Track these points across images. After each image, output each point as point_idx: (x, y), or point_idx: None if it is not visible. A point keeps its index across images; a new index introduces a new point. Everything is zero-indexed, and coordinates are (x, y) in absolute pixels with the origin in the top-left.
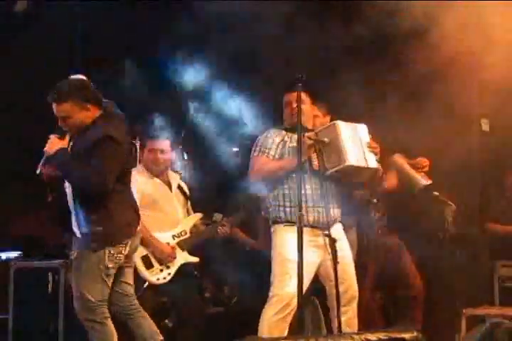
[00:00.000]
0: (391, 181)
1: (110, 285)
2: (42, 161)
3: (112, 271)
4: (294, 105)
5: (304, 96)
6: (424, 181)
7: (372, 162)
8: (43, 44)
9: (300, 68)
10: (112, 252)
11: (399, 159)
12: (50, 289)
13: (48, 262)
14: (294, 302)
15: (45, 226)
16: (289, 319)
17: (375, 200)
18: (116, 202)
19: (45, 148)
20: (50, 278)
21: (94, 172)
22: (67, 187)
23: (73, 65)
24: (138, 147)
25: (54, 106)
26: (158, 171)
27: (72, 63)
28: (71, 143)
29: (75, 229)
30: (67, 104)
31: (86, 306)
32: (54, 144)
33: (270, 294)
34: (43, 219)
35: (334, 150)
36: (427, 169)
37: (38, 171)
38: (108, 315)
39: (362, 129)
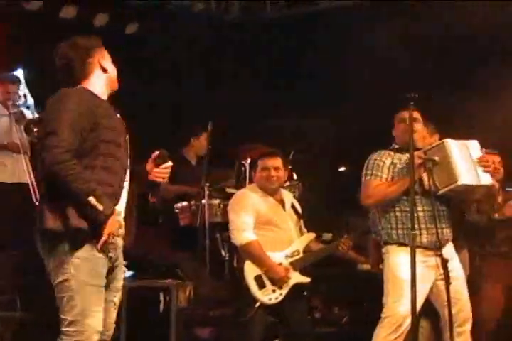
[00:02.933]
0: None
1: None
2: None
3: None
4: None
5: (417, 114)
6: None
7: (486, 179)
8: None
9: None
10: None
11: None
12: (161, 308)
13: (159, 281)
14: (407, 323)
15: (154, 246)
16: (401, 340)
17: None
18: None
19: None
20: (162, 297)
21: None
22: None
23: None
24: (248, 166)
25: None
26: (271, 189)
27: None
28: None
29: None
30: None
31: None
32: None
33: (383, 315)
34: (151, 238)
35: (445, 168)
36: None
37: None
38: None
39: (473, 145)
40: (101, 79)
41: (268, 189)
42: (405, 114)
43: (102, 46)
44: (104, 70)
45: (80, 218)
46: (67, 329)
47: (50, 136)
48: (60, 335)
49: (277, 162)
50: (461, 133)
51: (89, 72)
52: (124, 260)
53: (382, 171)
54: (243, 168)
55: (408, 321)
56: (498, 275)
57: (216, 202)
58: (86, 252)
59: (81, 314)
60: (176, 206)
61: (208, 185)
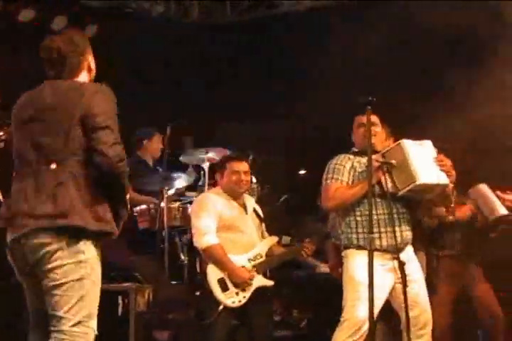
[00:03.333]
0: (463, 212)
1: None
2: None
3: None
4: (371, 127)
5: (376, 118)
6: (503, 210)
7: (443, 177)
8: None
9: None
10: None
11: (484, 187)
12: (120, 312)
13: (117, 285)
14: (366, 326)
15: (112, 249)
16: None
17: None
18: None
19: None
20: (120, 300)
21: None
22: None
23: None
24: (207, 169)
25: None
26: (238, 193)
27: None
28: None
29: None
30: None
31: None
32: None
33: (341, 318)
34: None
35: (404, 169)
36: None
37: None
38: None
39: (427, 145)
40: (85, 79)
41: (235, 193)
42: (364, 119)
43: (90, 45)
44: (90, 70)
45: (111, 217)
46: (73, 329)
47: (108, 131)
48: (57, 334)
49: (246, 166)
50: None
51: (80, 69)
52: None
53: (343, 175)
54: (202, 172)
55: (367, 324)
56: (454, 276)
57: (175, 205)
58: (98, 252)
59: (88, 316)
60: (134, 209)
61: (166, 188)
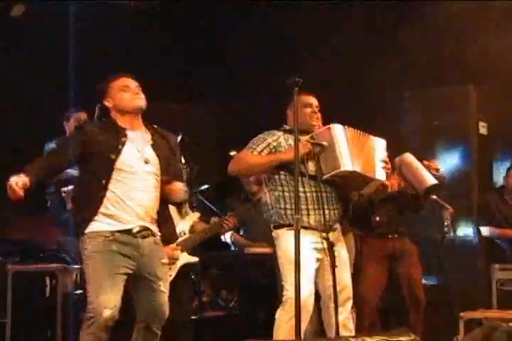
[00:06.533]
0: (391, 186)
1: None
2: None
3: None
4: (316, 108)
5: (316, 100)
6: (432, 180)
7: (381, 174)
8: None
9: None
10: None
11: (409, 157)
12: (47, 293)
13: (45, 266)
14: (308, 304)
15: (42, 230)
16: (306, 322)
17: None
18: None
19: None
20: (48, 282)
21: None
22: None
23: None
24: None
25: None
26: None
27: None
28: None
29: None
30: None
31: None
32: None
33: (284, 298)
34: (40, 222)
35: (330, 154)
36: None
37: None
38: None
39: (380, 144)
40: None
41: None
42: (311, 99)
43: None
44: None
45: None
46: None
47: None
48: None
49: None
50: None
51: None
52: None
53: (258, 146)
54: None
55: (309, 303)
56: (376, 255)
57: None
58: None
59: None
60: (62, 190)
61: None
